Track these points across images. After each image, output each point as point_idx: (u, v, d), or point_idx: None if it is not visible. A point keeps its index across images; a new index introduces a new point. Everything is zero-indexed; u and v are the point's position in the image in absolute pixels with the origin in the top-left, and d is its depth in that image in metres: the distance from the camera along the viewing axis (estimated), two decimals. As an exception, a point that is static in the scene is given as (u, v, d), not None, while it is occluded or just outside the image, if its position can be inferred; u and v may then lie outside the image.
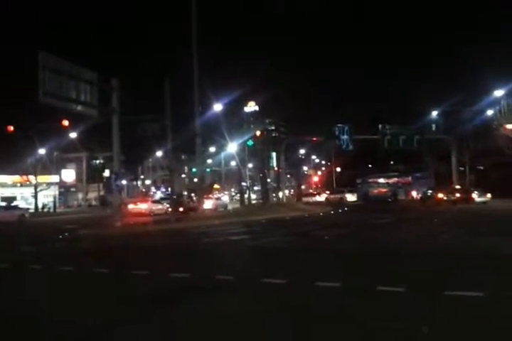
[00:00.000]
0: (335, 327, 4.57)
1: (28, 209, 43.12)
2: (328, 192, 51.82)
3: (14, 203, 47.91)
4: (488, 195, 30.97)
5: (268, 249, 11.27)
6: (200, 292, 6.43)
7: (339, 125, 41.93)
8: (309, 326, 4.62)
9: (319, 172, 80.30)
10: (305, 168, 75.37)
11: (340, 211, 27.96)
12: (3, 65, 41.42)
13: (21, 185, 55.65)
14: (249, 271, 8.00)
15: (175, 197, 29.42)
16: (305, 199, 48.81)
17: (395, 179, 48.82)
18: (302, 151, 61.00)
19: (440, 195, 33.23)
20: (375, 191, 42.99)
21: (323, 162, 78.52)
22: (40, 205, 54.33)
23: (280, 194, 51.29)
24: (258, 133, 50.49)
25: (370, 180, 48.66)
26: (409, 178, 48.10)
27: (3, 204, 44.44)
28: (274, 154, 61.09)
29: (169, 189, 36.83)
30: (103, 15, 71.22)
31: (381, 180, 48.14)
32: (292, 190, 71.27)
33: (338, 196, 45.04)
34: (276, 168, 54.52)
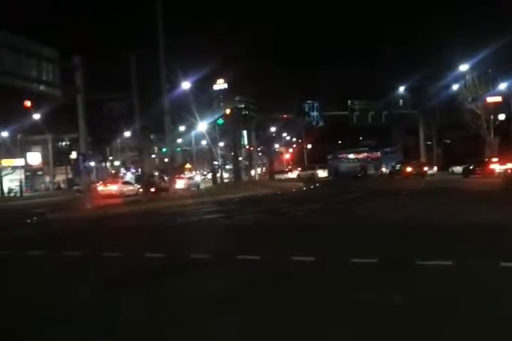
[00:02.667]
0: (312, 299, 4.60)
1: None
2: (299, 168, 52.26)
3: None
4: (435, 168, 35.01)
5: (242, 226, 11.28)
6: (175, 271, 6.37)
7: (309, 101, 42.00)
8: (284, 300, 4.63)
9: (290, 150, 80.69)
10: (276, 146, 75.53)
11: (312, 187, 28.27)
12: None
13: (-15, 170, 53.85)
14: (224, 248, 7.99)
15: (145, 177, 29.06)
16: (277, 176, 49.13)
17: (365, 154, 49.58)
18: (273, 129, 61.00)
19: (408, 169, 34.00)
20: (345, 166, 43.62)
21: (294, 139, 78.84)
22: (6, 190, 52.85)
23: (252, 172, 51.41)
24: (228, 111, 50.09)
25: (340, 156, 49.30)
26: (379, 153, 48.94)
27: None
28: (245, 132, 60.92)
29: (139, 170, 36.34)
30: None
31: (351, 156, 48.85)
32: (264, 168, 71.52)
33: (310, 172, 45.51)
34: (247, 147, 54.45)
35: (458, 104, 38.22)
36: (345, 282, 5.21)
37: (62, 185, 62.40)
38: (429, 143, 43.69)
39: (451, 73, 38.50)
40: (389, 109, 41.81)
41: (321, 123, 42.69)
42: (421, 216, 10.75)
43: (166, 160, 45.52)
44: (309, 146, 68.43)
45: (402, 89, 43.03)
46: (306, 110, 41.95)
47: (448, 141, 44.89)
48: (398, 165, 37.18)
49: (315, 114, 41.73)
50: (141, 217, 15.86)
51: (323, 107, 42.13)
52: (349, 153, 49.79)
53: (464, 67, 36.37)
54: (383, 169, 43.98)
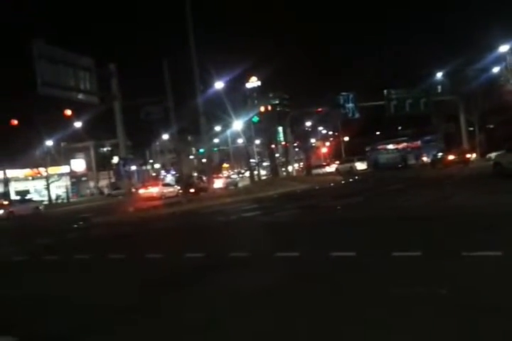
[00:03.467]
0: (354, 295, 4.51)
1: (42, 201, 43.66)
2: (337, 162, 51.60)
3: (28, 196, 48.58)
4: (474, 155, 33.29)
5: (280, 223, 11.24)
6: (215, 270, 6.41)
7: (343, 93, 41.30)
8: (326, 296, 4.57)
9: (327, 144, 79.83)
10: (313, 140, 74.88)
11: (350, 180, 27.85)
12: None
13: (33, 178, 56.24)
14: (263, 246, 7.98)
15: (184, 178, 29.47)
16: (315, 171, 48.71)
17: (404, 144, 48.34)
18: (309, 123, 60.48)
19: (450, 157, 32.88)
20: (385, 157, 42.66)
21: (331, 132, 77.90)
22: (53, 196, 54.97)
23: (289, 168, 51.21)
24: (263, 108, 50.07)
25: (379, 147, 48.25)
26: (419, 142, 47.57)
27: (18, 198, 45.07)
28: (280, 128, 60.70)
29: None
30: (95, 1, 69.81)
31: (390, 146, 47.71)
32: (301, 163, 71.09)
33: (348, 165, 44.84)
34: (283, 143, 54.25)
35: (499, 87, 36.61)
36: (386, 276, 5.08)
37: (106, 190, 64.36)
38: (471, 129, 42.10)
39: (490, 55, 36.92)
40: (427, 96, 40.53)
41: (357, 115, 41.92)
42: (466, 205, 10.35)
43: (204, 160, 46.07)
44: (346, 139, 67.47)
45: (439, 74, 41.64)
46: (341, 102, 41.28)
47: (491, 126, 43.09)
48: (440, 154, 36.00)
49: (350, 105, 41.02)
50: (180, 218, 16.10)
51: (358, 98, 41.36)
52: (388, 144, 48.67)
53: (504, 48, 34.81)
54: (424, 158, 42.70)
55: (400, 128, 58.59)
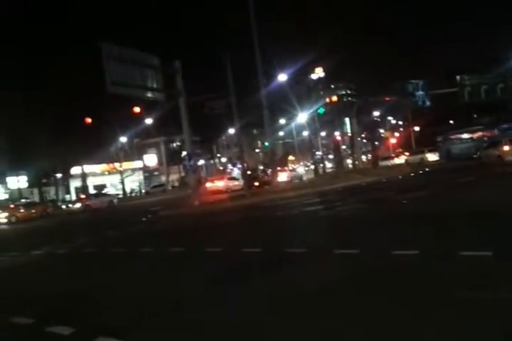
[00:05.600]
0: (416, 297, 4.22)
1: (117, 195, 46.06)
2: (407, 153, 49.60)
3: (104, 190, 51.49)
4: None
5: (342, 218, 10.92)
6: (270, 266, 6.33)
7: (413, 81, 39.51)
8: (385, 297, 4.32)
9: (397, 134, 77.02)
10: (381, 131, 72.58)
11: (420, 172, 26.59)
12: (70, 58, 43.62)
13: (109, 173, 59.51)
14: (322, 242, 7.77)
15: (249, 172, 29.68)
16: (383, 163, 47.13)
17: (480, 133, 45.29)
18: (377, 113, 58.61)
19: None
20: (458, 148, 40.30)
21: (400, 122, 75.04)
22: (128, 190, 57.84)
23: (356, 160, 50.01)
24: (329, 99, 49.21)
25: (452, 137, 45.58)
26: (496, 131, 44.41)
27: (94, 192, 47.91)
28: (347, 119, 59.43)
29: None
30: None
31: (464, 136, 44.91)
32: (369, 155, 69.21)
33: (418, 157, 42.88)
34: (350, 134, 53.05)
35: None
36: (452, 278, 4.72)
37: (176, 184, 66.67)
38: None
39: None
40: (505, 82, 37.76)
41: (427, 104, 39.99)
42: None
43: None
44: (417, 129, 64.65)
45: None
46: (411, 90, 39.54)
47: None
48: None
49: (420, 93, 39.18)
50: (242, 212, 16.20)
51: (429, 86, 39.39)
52: (462, 133, 45.87)
53: None
54: (506, 147, 39.73)
55: (475, 116, 55.13)
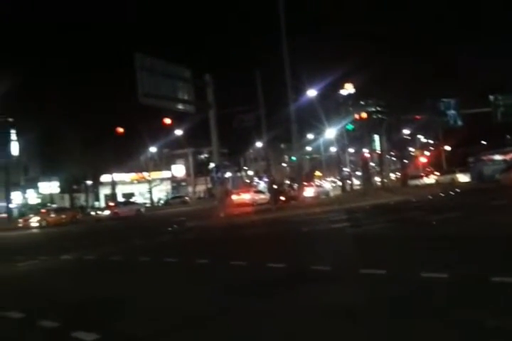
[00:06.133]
0: (442, 324, 4.10)
1: (145, 203, 46.71)
2: (437, 173, 48.65)
3: (133, 199, 52.29)
4: None
5: (369, 236, 10.76)
6: (294, 283, 6.27)
7: (444, 99, 38.88)
8: (410, 322, 4.21)
9: (427, 153, 75.69)
10: (411, 149, 71.48)
11: (451, 193, 26.01)
12: (105, 69, 44.85)
13: (138, 182, 60.46)
14: (348, 260, 7.67)
15: (275, 186, 29.66)
16: (412, 182, 46.31)
17: (513, 154, 44.15)
18: (407, 131, 57.82)
19: None
20: (490, 169, 39.25)
21: (431, 141, 73.80)
22: (155, 200, 58.56)
23: (384, 178, 49.30)
24: (357, 116, 48.94)
25: (484, 158, 44.51)
26: (529, 153, 43.15)
27: (122, 200, 48.68)
28: (376, 136, 58.83)
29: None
30: (188, 11, 73.16)
31: (497, 157, 43.80)
32: (398, 173, 68.15)
33: (449, 177, 41.97)
34: (379, 151, 52.46)
35: None
36: (481, 304, 4.57)
37: (202, 195, 67.13)
38: None
39: None
40: (541, 102, 36.73)
41: (459, 123, 39.19)
42: None
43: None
44: (448, 148, 63.44)
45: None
46: (442, 109, 38.86)
47: None
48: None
49: (452, 112, 38.47)
50: (268, 226, 16.17)
51: (461, 105, 38.67)
52: (494, 154, 44.77)
53: None
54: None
55: (508, 137, 53.81)
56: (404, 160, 56.12)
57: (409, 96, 43.27)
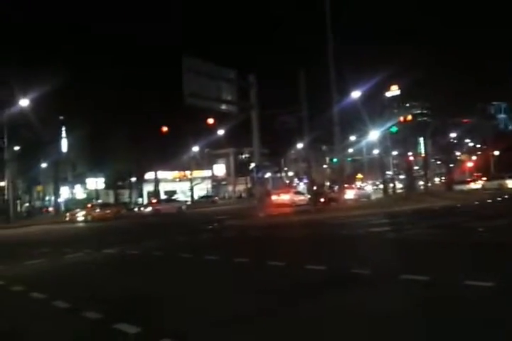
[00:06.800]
0: (484, 334, 3.98)
1: (186, 201, 47.53)
2: (484, 178, 46.88)
3: (174, 196, 53.37)
4: None
5: (411, 242, 10.51)
6: (335, 286, 6.22)
7: (494, 103, 37.53)
8: (454, 332, 4.11)
9: (474, 157, 73.06)
10: (457, 153, 69.20)
11: (498, 199, 25.00)
12: (151, 70, 45.97)
13: (180, 180, 61.64)
14: (389, 265, 7.53)
15: (315, 187, 29.45)
16: (457, 187, 44.81)
17: None
18: (453, 135, 56.06)
19: None
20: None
21: (479, 145, 71.16)
22: (196, 198, 59.45)
23: (428, 182, 48.00)
24: (402, 118, 47.90)
25: (537, 164, 42.57)
26: None
27: (164, 197, 49.79)
28: (421, 139, 57.38)
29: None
30: (232, 12, 73.69)
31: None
32: (442, 178, 66.14)
33: (496, 182, 40.36)
34: (423, 155, 51.15)
35: None
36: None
37: (242, 194, 67.60)
38: None
39: None
40: None
41: (510, 127, 37.71)
42: None
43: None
44: (497, 153, 60.98)
45: None
46: (492, 112, 37.59)
47: None
48: None
49: (502, 116, 37.27)
50: (307, 227, 16.08)
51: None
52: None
53: None
54: None
55: None
56: (450, 165, 54.42)
57: (457, 99, 41.92)
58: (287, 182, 73.08)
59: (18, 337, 4.96)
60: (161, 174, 58.09)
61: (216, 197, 59.53)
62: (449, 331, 4.11)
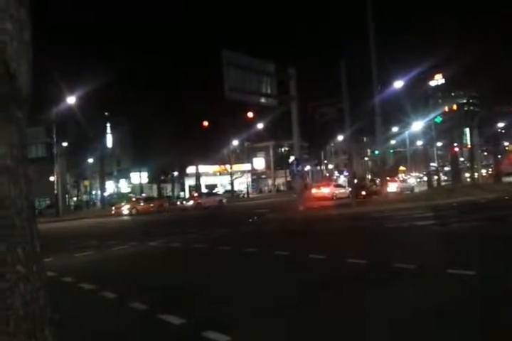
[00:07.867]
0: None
1: (226, 195, 48.01)
2: (536, 170, 44.74)
3: (215, 190, 54.02)
4: None
5: (457, 235, 10.21)
6: (376, 281, 6.14)
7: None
8: (500, 330, 3.97)
9: (524, 148, 69.74)
10: (505, 144, 66.28)
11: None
12: (192, 65, 46.44)
13: (220, 174, 62.29)
14: (434, 259, 7.36)
15: (356, 180, 29.03)
16: (506, 179, 42.98)
17: None
18: (501, 125, 53.68)
19: None
20: None
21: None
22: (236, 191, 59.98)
23: (475, 174, 46.30)
24: (447, 108, 46.38)
25: None
26: None
27: (205, 190, 50.49)
28: (467, 130, 55.43)
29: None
30: (271, 4, 73.08)
31: None
32: (490, 169, 63.62)
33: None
34: (469, 145, 49.35)
35: None
36: None
37: (282, 188, 67.57)
38: None
39: None
40: None
41: None
42: None
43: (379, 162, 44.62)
44: (550, 143, 57.93)
45: None
46: (544, 100, 35.62)
47: None
48: None
49: (556, 104, 35.11)
50: (348, 221, 15.91)
51: None
52: None
53: None
54: None
55: None
56: (498, 155, 52.22)
57: (504, 87, 40.02)
58: (327, 175, 72.44)
59: (70, 324, 5.19)
60: (202, 168, 58.87)
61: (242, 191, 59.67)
62: (498, 326, 3.98)
